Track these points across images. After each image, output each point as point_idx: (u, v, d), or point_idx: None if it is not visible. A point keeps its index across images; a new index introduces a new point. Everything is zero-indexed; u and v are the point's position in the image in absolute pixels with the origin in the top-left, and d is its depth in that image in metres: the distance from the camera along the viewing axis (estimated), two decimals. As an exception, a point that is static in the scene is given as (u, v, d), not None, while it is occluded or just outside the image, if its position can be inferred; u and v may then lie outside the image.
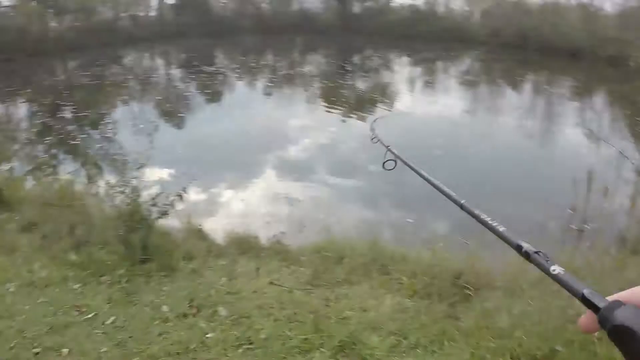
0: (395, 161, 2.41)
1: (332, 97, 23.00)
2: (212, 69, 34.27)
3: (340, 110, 20.15)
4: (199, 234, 8.24)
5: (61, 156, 15.54)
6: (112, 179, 12.21)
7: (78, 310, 5.39)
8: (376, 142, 2.57)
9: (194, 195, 10.89)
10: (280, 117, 19.19)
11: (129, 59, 46.39)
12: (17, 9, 56.81)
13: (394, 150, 2.49)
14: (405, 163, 2.18)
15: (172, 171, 12.70)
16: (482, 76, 32.64)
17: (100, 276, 6.14)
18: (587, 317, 0.71)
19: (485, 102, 24.02)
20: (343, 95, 23.74)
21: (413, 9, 65.24)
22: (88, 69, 36.69)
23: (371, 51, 44.20)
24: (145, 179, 7.40)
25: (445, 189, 1.48)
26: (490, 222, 1.14)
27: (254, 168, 13.29)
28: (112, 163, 14.27)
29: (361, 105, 21.54)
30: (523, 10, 54.03)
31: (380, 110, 20.85)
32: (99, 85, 29.42)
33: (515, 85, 29.33)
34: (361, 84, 27.53)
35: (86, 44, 46.95)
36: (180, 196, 6.98)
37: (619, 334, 0.65)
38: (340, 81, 27.43)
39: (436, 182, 1.55)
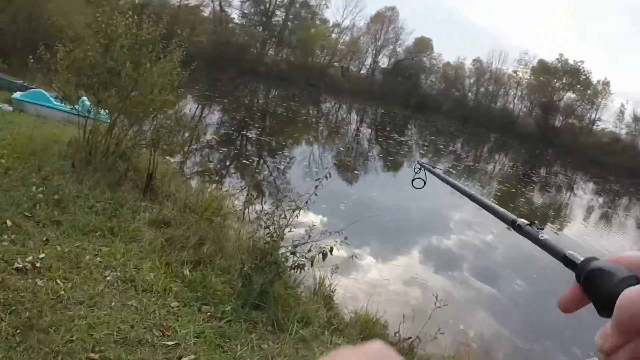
0: (425, 181, 2.37)
1: (505, 202, 22.91)
2: (401, 138, 34.98)
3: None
4: (327, 299, 7.42)
5: (232, 169, 16.57)
6: (267, 208, 13.18)
7: (162, 331, 4.81)
8: (418, 169, 2.44)
9: (336, 252, 11.33)
10: (447, 205, 19.37)
11: (327, 104, 48.05)
12: (244, 29, 61.79)
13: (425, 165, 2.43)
14: (437, 175, 2.10)
15: (325, 220, 13.30)
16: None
17: (204, 304, 5.57)
18: (568, 290, 0.69)
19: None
20: (518, 202, 23.60)
21: (613, 136, 63.29)
22: (287, 101, 38.58)
23: (560, 168, 43.04)
24: (297, 221, 7.15)
25: (473, 192, 1.52)
26: (490, 203, 1.28)
27: (402, 245, 13.59)
28: (275, 194, 15.28)
29: (531, 219, 21.25)
30: None
31: (549, 228, 20.57)
32: (290, 119, 30.85)
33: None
34: (539, 197, 27.14)
35: (293, 78, 49.31)
36: (324, 254, 6.28)
37: (592, 279, 0.65)
38: (520, 189, 27.25)
39: (468, 190, 1.57)
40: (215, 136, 18.80)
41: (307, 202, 6.88)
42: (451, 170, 28.24)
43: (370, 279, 10.41)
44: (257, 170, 17.03)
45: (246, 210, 10.42)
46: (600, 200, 33.51)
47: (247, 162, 17.62)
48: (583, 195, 33.03)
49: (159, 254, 6.36)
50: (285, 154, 21.16)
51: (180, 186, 9.72)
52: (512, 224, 1.04)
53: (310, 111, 40.22)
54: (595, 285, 0.63)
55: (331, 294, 7.58)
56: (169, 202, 8.28)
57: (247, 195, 12.96)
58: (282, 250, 6.30)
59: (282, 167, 18.70)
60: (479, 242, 15.69)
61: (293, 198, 7.70)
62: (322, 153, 23.57)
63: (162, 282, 5.63)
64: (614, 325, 0.55)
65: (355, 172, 21.69)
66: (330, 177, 6.79)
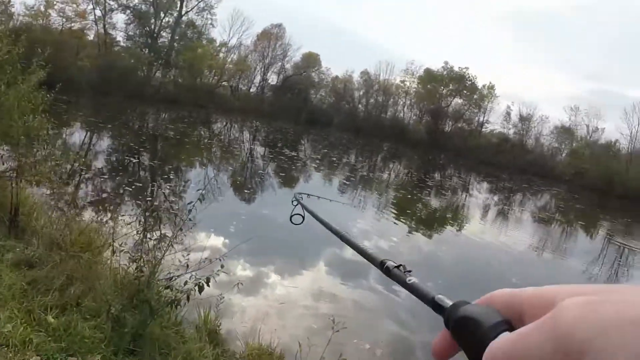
0: (304, 216, 2.40)
1: (403, 209, 22.84)
2: (293, 154, 34.75)
3: (407, 223, 19.94)
4: (213, 335, 6.63)
5: (126, 197, 15.58)
6: (152, 236, 12.27)
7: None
8: (296, 204, 2.47)
9: (224, 278, 10.70)
10: (347, 216, 18.99)
11: (218, 124, 47.50)
12: (129, 52, 60.39)
13: (302, 202, 2.47)
14: (311, 213, 2.17)
15: (214, 243, 12.63)
16: (557, 215, 32.16)
17: (70, 355, 4.72)
18: (439, 336, 0.65)
19: (555, 241, 23.34)
20: (415, 208, 23.58)
21: (502, 137, 65.95)
22: (177, 123, 37.78)
23: (453, 171, 43.93)
24: (183, 247, 6.52)
25: (344, 233, 1.53)
26: (361, 245, 1.23)
27: (305, 260, 13.01)
28: (172, 219, 14.42)
29: (430, 222, 21.24)
30: (611, 154, 53.64)
31: (448, 229, 20.60)
32: (182, 142, 30.14)
33: (589, 230, 28.86)
34: (435, 202, 27.32)
35: (182, 100, 48.49)
36: (200, 287, 5.43)
37: (461, 326, 0.60)
38: (417, 194, 27.38)
39: (340, 231, 1.58)
40: (95, 164, 17.52)
41: (180, 229, 6.45)
42: (346, 182, 28.08)
43: (264, 302, 9.73)
44: (151, 197, 16.09)
45: (126, 242, 8.95)
46: (496, 198, 34.52)
47: (140, 189, 16.77)
48: (478, 195, 33.86)
49: (19, 301, 5.38)
50: (180, 177, 20.57)
51: (52, 220, 8.65)
52: (381, 266, 1.02)
53: (202, 132, 39.74)
54: (463, 335, 0.61)
55: (217, 328, 6.85)
56: (35, 239, 7.34)
57: (136, 223, 12.08)
58: (160, 284, 5.69)
59: (177, 192, 17.82)
60: (386, 247, 15.21)
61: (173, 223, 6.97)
62: (217, 174, 22.88)
63: (21, 333, 4.66)
64: None
65: (248, 191, 21.08)
66: (203, 199, 6.07)
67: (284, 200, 13.67)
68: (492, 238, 20.24)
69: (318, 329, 8.68)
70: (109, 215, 12.19)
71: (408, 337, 9.26)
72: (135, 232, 7.06)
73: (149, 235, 7.00)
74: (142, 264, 5.62)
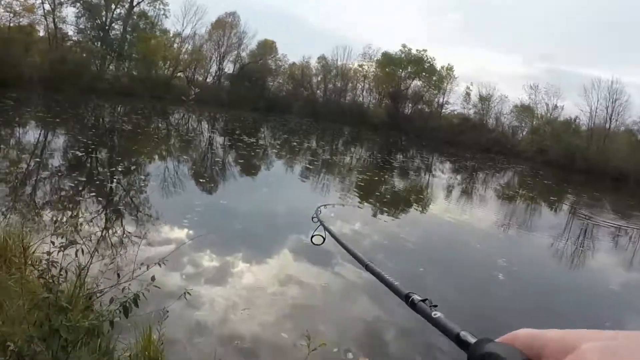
0: (324, 237, 2.42)
1: (369, 191, 22.58)
2: (252, 140, 34.41)
3: (372, 205, 19.63)
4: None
5: (86, 196, 14.95)
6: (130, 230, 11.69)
7: None
8: (316, 222, 2.51)
9: (194, 266, 10.25)
10: (311, 201, 18.61)
11: (176, 116, 46.87)
12: (81, 46, 59.16)
13: (326, 225, 2.46)
14: (333, 236, 2.23)
15: (183, 235, 12.17)
16: (521, 191, 32.29)
17: None
18: None
19: (520, 217, 23.29)
20: (379, 190, 23.31)
21: (463, 117, 66.38)
22: (133, 116, 37.14)
23: (416, 152, 43.91)
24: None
25: (369, 262, 1.53)
26: (387, 277, 1.25)
27: (270, 249, 12.57)
28: (136, 216, 13.89)
29: (395, 204, 20.97)
30: (572, 130, 54.44)
31: (413, 210, 20.38)
32: (140, 135, 29.80)
33: (553, 204, 29.12)
34: (399, 183, 27.13)
35: (137, 93, 47.79)
36: (125, 309, 4.29)
37: None
38: (381, 176, 27.17)
39: (365, 260, 1.59)
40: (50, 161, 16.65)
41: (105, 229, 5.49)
42: (309, 166, 27.83)
43: (232, 292, 9.24)
44: (111, 193, 15.52)
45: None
46: (459, 177, 34.38)
47: (98, 186, 16.08)
48: (442, 175, 33.87)
49: None
50: (140, 171, 20.01)
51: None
52: (406, 299, 1.03)
53: (160, 124, 39.01)
54: None
55: (160, 354, 5.65)
56: None
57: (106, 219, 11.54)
58: (80, 303, 4.78)
59: (138, 186, 17.26)
60: (350, 233, 14.79)
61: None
62: (177, 166, 22.31)
63: None
64: None
65: (209, 180, 20.58)
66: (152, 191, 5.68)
67: (246, 188, 13.26)
68: (457, 216, 20.09)
69: (288, 316, 8.42)
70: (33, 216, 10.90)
71: (378, 321, 8.92)
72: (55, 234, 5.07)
73: (75, 237, 5.39)
74: (51, 277, 4.43)
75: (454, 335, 0.76)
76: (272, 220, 14.89)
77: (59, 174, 16.89)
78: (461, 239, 16.81)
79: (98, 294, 4.91)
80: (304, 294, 9.65)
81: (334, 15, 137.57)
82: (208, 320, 7.72)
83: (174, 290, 8.62)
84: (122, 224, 12.36)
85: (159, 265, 5.03)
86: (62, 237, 5.02)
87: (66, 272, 4.73)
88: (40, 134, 26.12)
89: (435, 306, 0.93)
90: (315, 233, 2.42)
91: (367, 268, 1.48)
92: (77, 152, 21.02)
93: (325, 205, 2.54)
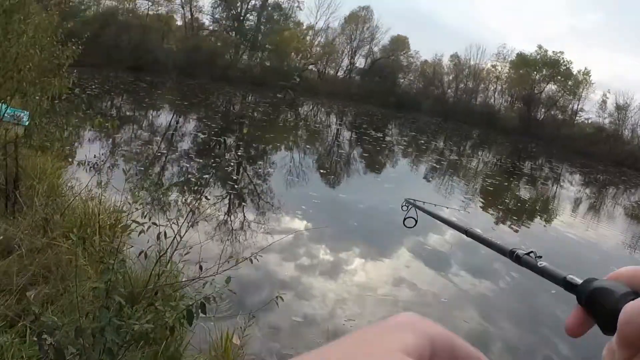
0: (416, 219, 2.41)
1: (491, 197, 22.07)
2: (379, 135, 34.54)
3: (495, 213, 19.16)
4: None
5: (212, 180, 15.39)
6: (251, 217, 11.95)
7: None
8: (408, 207, 2.47)
9: (308, 258, 10.35)
10: (434, 202, 18.35)
11: (305, 108, 47.41)
12: (215, 35, 61.00)
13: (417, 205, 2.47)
14: (428, 212, 2.20)
15: (303, 226, 12.31)
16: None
17: None
18: (572, 314, 0.68)
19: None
20: (505, 197, 22.72)
21: (597, 126, 63.12)
22: (262, 105, 37.92)
23: (544, 160, 42.42)
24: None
25: (469, 228, 1.57)
26: (488, 238, 1.31)
27: (386, 247, 12.49)
28: (256, 203, 14.18)
29: (519, 213, 20.34)
30: None
31: (537, 221, 19.71)
32: (268, 124, 30.64)
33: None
34: (525, 191, 26.29)
35: (269, 83, 48.86)
36: (190, 314, 3.70)
37: (593, 299, 0.65)
38: (506, 183, 26.46)
39: (463, 226, 1.61)
40: (109, 125, 16.76)
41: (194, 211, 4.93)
42: (436, 165, 27.53)
43: (343, 288, 9.24)
44: (236, 179, 15.95)
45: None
46: (588, 191, 32.78)
47: (226, 171, 16.47)
48: (570, 187, 32.34)
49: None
50: (266, 160, 20.64)
51: (56, 193, 7.67)
52: (511, 255, 1.06)
53: (288, 115, 39.51)
54: (597, 305, 0.65)
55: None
56: (27, 217, 6.08)
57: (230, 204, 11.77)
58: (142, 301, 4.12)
59: (262, 174, 17.79)
60: (469, 239, 14.43)
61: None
62: (302, 157, 22.64)
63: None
64: (619, 341, 0.57)
65: (333, 174, 20.75)
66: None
67: (368, 183, 13.24)
68: (580, 232, 19.18)
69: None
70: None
71: (487, 330, 8.71)
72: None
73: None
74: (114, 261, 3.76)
75: (562, 279, 0.79)
76: (390, 218, 14.78)
77: (184, 156, 17.55)
78: (582, 256, 16.10)
79: (167, 288, 4.43)
80: (416, 299, 9.52)
81: (467, 13, 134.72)
82: (317, 314, 7.80)
83: (286, 280, 8.80)
84: (237, 210, 12.71)
85: (250, 261, 4.61)
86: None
87: (145, 255, 4.32)
88: (178, 118, 27.24)
89: (540, 257, 0.95)
90: (407, 216, 2.43)
91: (467, 234, 1.55)
92: (204, 136, 21.73)
93: (423, 202, 2.47)
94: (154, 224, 4.28)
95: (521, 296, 10.63)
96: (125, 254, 5.99)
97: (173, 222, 4.36)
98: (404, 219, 2.43)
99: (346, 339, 0.45)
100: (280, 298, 4.70)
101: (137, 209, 4.78)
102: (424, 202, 2.57)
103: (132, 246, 4.88)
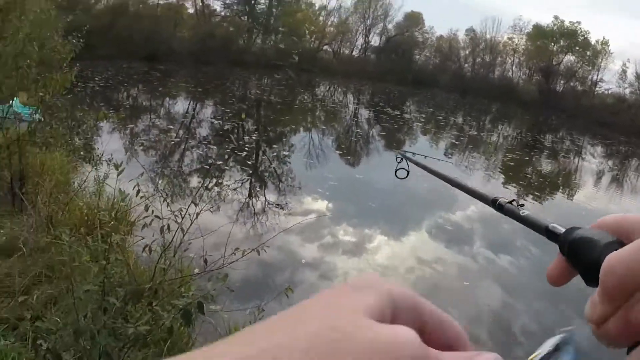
0: (408, 170, 2.46)
1: (512, 172, 21.87)
2: (396, 112, 34.37)
3: (517, 187, 18.98)
4: None
5: (231, 164, 15.39)
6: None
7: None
8: (399, 160, 2.51)
9: (328, 237, 10.31)
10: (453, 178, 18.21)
11: (321, 88, 47.35)
12: (228, 20, 60.93)
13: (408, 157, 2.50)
14: (416, 163, 2.23)
15: (323, 207, 12.28)
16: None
17: None
18: (553, 263, 0.66)
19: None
20: (526, 172, 22.49)
21: (618, 96, 62.25)
22: (278, 88, 37.88)
23: (565, 133, 41.96)
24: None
25: (453, 177, 1.62)
26: (471, 186, 1.37)
27: (407, 224, 12.42)
28: (277, 185, 14.14)
29: (541, 188, 20.14)
30: None
31: (559, 195, 19.51)
32: (286, 106, 30.75)
33: None
34: (547, 165, 26.01)
35: (284, 65, 48.89)
36: (187, 314, 3.40)
37: (577, 248, 0.63)
38: (527, 157, 26.19)
39: (448, 175, 1.67)
40: (114, 117, 16.40)
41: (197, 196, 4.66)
42: (455, 141, 27.36)
43: (366, 266, 9.15)
44: (256, 162, 16.00)
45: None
46: (610, 163, 32.31)
47: (245, 155, 16.48)
48: (592, 160, 31.87)
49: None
50: (284, 142, 20.63)
51: (60, 189, 7.50)
52: (493, 204, 1.07)
53: (305, 97, 39.46)
54: (579, 255, 0.63)
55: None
56: (33, 214, 5.84)
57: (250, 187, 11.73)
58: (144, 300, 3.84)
59: (282, 156, 17.88)
60: (491, 215, 14.38)
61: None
62: (321, 138, 22.60)
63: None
64: (601, 293, 0.54)
65: (351, 154, 20.74)
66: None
67: (386, 162, 13.09)
68: (603, 206, 18.94)
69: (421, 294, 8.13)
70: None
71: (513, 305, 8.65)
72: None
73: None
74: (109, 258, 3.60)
75: (544, 228, 0.76)
76: (410, 199, 14.69)
77: (202, 142, 17.55)
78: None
79: (168, 282, 4.17)
80: (436, 277, 9.48)
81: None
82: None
83: (310, 261, 8.75)
84: (257, 193, 12.68)
85: (257, 252, 4.32)
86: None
87: (150, 250, 4.07)
88: (195, 104, 27.33)
89: (522, 205, 0.94)
90: (398, 167, 2.48)
91: (451, 183, 1.58)
92: (220, 121, 21.72)
93: (413, 153, 2.51)
94: (157, 216, 4.10)
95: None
96: (134, 247, 5.94)
97: (181, 212, 4.22)
98: (396, 171, 2.49)
99: (305, 303, 0.43)
100: (290, 290, 4.47)
101: (143, 199, 4.54)
102: (413, 154, 2.59)
103: (142, 238, 4.69)
